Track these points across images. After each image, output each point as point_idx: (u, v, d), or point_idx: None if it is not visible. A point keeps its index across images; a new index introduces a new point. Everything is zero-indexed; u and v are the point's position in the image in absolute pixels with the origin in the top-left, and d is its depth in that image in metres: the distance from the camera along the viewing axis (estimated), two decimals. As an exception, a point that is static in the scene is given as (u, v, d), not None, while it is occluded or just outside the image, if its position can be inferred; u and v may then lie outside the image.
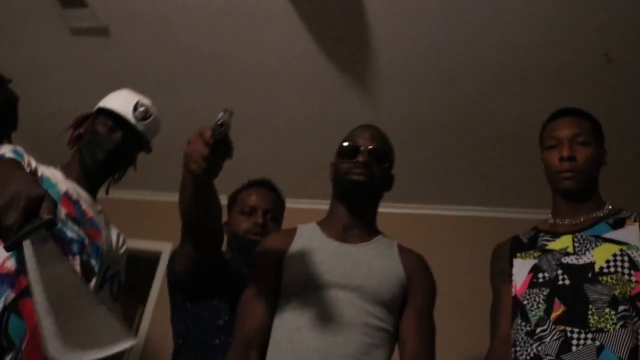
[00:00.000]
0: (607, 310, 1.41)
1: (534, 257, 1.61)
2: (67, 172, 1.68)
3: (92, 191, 1.72)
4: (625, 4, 2.29)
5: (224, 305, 1.76)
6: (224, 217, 2.04)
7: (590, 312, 1.42)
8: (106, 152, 1.67)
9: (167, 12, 2.69)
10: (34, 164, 1.56)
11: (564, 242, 1.57)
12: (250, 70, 2.94)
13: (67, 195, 1.59)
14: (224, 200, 1.53)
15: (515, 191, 3.36)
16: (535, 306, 1.52)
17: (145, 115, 1.71)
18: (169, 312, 1.84)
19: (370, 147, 1.57)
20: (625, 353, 1.36)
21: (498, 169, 3.25)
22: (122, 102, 1.73)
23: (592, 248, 1.52)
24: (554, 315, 1.47)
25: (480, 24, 2.46)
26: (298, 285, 1.46)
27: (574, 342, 1.41)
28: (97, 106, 1.76)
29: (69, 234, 1.53)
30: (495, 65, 2.62)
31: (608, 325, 1.40)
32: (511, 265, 1.66)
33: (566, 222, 1.63)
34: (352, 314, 1.40)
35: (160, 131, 1.85)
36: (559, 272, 1.52)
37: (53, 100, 3.47)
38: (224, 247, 1.90)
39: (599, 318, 1.41)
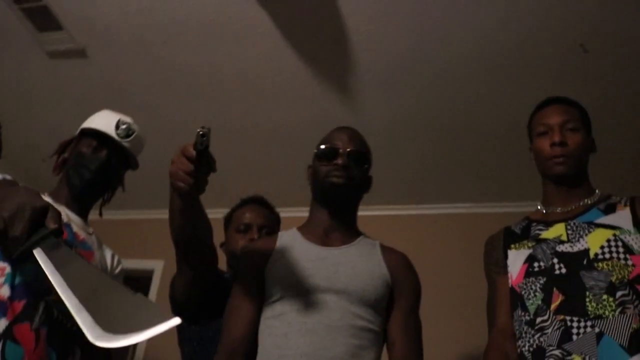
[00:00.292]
0: (604, 296, 1.42)
1: (529, 247, 1.61)
2: (56, 197, 1.68)
3: (82, 214, 1.72)
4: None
5: None
6: (221, 238, 2.05)
7: (587, 299, 1.43)
8: (93, 171, 1.68)
9: (144, 29, 2.69)
10: None
11: (557, 230, 1.58)
12: (231, 81, 2.94)
13: None
14: (213, 214, 1.53)
15: (504, 185, 3.39)
16: (532, 294, 1.52)
17: (127, 133, 1.73)
18: (167, 331, 1.83)
19: (349, 149, 1.57)
20: (625, 340, 1.36)
21: (485, 164, 3.27)
22: (103, 121, 1.74)
23: (586, 234, 1.53)
24: (553, 305, 1.48)
25: (457, 22, 2.48)
26: (282, 291, 1.45)
27: (574, 330, 1.41)
28: (79, 129, 1.78)
29: None
30: (474, 62, 2.64)
31: (607, 312, 1.40)
32: (505, 257, 1.66)
33: (558, 211, 1.64)
34: (338, 317, 1.40)
35: (145, 148, 1.85)
36: (555, 260, 1.53)
37: (35, 125, 3.45)
38: (224, 268, 1.90)
39: (597, 305, 1.41)
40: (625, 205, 1.57)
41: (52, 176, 1.78)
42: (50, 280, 0.90)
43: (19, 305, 1.35)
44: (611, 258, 1.46)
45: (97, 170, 1.68)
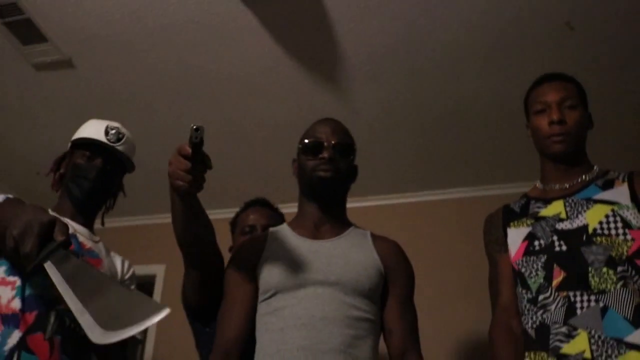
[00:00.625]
0: (604, 269, 1.43)
1: (528, 225, 1.61)
2: (59, 211, 1.69)
3: (88, 224, 1.74)
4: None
5: None
6: (222, 239, 2.07)
7: (590, 274, 1.44)
8: (91, 180, 1.70)
9: (129, 34, 2.67)
10: None
11: (556, 207, 1.59)
12: (221, 82, 2.93)
13: None
14: (212, 215, 1.54)
15: (500, 167, 3.40)
16: (534, 273, 1.53)
17: (118, 137, 1.75)
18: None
19: (333, 142, 1.57)
20: (629, 312, 1.38)
21: (479, 147, 3.28)
22: (93, 129, 1.76)
23: (584, 211, 1.53)
24: (555, 282, 1.49)
25: (442, 9, 2.47)
26: (276, 287, 1.46)
27: (578, 305, 1.43)
28: (70, 142, 1.79)
29: None
30: (461, 47, 2.64)
31: (609, 286, 1.41)
32: (505, 235, 1.66)
33: (556, 188, 1.64)
34: (333, 309, 1.41)
35: (140, 154, 1.85)
36: (555, 238, 1.53)
37: (27, 138, 3.43)
38: None
39: (599, 279, 1.43)
40: (623, 181, 1.57)
41: (47, 190, 1.80)
42: (59, 289, 0.95)
43: (31, 317, 1.38)
44: (609, 234, 1.47)
45: (96, 179, 1.70)
